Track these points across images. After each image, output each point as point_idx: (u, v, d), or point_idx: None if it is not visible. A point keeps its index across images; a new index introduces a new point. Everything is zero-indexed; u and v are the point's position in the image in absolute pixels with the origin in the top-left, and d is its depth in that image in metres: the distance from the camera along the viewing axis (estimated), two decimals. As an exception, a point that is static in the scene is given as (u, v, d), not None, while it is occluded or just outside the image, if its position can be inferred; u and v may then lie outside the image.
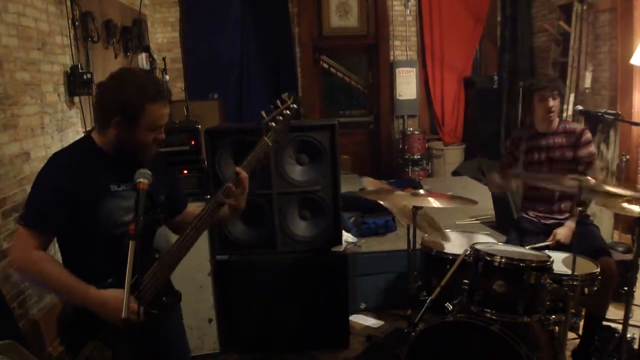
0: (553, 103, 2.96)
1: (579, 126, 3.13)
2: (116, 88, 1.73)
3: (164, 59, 6.32)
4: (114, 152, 1.80)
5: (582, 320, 2.85)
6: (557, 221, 3.05)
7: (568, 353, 2.76)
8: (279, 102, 1.90)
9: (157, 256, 1.82)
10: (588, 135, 3.04)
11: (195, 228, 1.80)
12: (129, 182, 1.75)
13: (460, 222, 4.53)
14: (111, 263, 1.67)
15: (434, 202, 2.71)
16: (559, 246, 2.86)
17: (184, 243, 1.79)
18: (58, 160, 1.79)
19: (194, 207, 2.07)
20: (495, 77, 7.49)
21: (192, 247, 1.82)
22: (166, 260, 1.79)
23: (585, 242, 2.81)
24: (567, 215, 3.05)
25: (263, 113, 1.89)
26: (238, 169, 1.84)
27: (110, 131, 1.76)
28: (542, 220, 3.11)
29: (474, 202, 2.83)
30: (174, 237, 1.91)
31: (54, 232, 1.76)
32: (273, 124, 1.87)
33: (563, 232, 2.92)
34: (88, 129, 4.22)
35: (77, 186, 1.72)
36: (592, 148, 3.05)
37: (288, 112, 1.90)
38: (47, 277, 1.71)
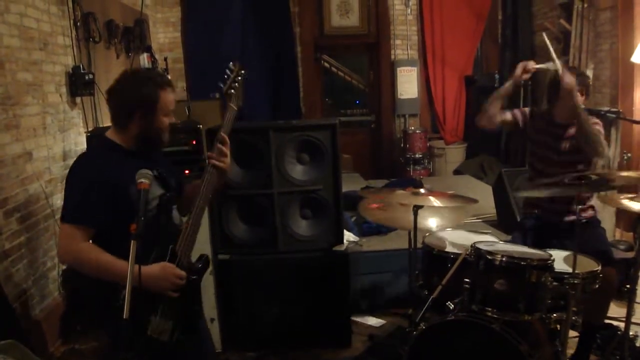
0: (581, 96, 2.88)
1: (592, 119, 2.96)
2: (130, 86, 1.96)
3: (165, 59, 6.34)
4: (134, 146, 2.00)
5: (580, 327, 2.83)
6: (563, 218, 3.01)
7: (569, 351, 2.76)
8: (228, 71, 2.17)
9: (180, 229, 2.03)
10: (595, 120, 2.92)
11: (202, 196, 2.02)
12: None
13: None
14: (149, 240, 1.77)
15: (434, 201, 2.71)
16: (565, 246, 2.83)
17: (198, 212, 2.00)
18: (85, 159, 2.04)
19: (189, 186, 2.28)
20: (497, 76, 7.48)
21: (203, 214, 2.05)
22: (189, 230, 1.98)
23: (591, 245, 2.77)
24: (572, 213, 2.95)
25: (220, 84, 2.17)
26: (221, 134, 2.10)
27: (132, 126, 1.97)
28: (548, 218, 3.05)
29: (475, 201, 2.83)
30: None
31: (94, 224, 1.89)
32: (232, 91, 2.16)
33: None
34: (90, 129, 4.23)
35: (107, 178, 1.88)
36: (598, 127, 2.92)
37: (240, 77, 2.19)
38: (98, 264, 1.85)
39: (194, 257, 2.05)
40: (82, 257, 1.87)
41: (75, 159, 2.05)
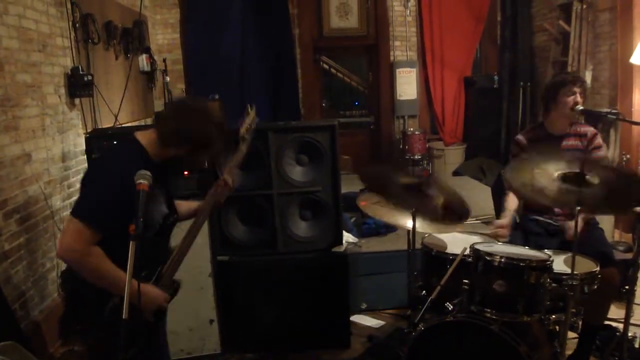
0: (580, 99, 2.88)
1: (590, 129, 3.01)
2: (198, 122, 1.95)
3: (164, 60, 6.36)
4: (162, 161, 1.98)
5: (580, 328, 2.82)
6: (562, 220, 2.99)
7: (568, 352, 2.76)
8: (245, 114, 2.30)
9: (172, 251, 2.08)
10: (599, 139, 2.97)
11: (196, 225, 2.10)
12: (163, 187, 2.03)
13: (460, 221, 4.52)
14: (144, 257, 1.76)
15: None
16: (565, 246, 2.80)
17: (189, 239, 2.05)
18: (115, 162, 1.97)
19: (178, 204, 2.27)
20: (496, 77, 7.49)
21: (194, 241, 2.10)
22: (178, 254, 2.03)
23: (591, 245, 2.76)
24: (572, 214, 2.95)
25: (239, 124, 2.29)
26: (231, 166, 2.23)
27: (173, 150, 1.96)
28: (546, 220, 3.04)
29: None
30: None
31: (104, 231, 1.84)
32: (247, 136, 2.28)
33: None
34: (89, 130, 4.23)
35: (130, 190, 1.77)
36: (602, 152, 2.97)
37: (254, 126, 2.33)
38: (100, 271, 1.83)
39: (193, 260, 2.07)
40: (84, 260, 1.81)
41: (99, 155, 2.07)
